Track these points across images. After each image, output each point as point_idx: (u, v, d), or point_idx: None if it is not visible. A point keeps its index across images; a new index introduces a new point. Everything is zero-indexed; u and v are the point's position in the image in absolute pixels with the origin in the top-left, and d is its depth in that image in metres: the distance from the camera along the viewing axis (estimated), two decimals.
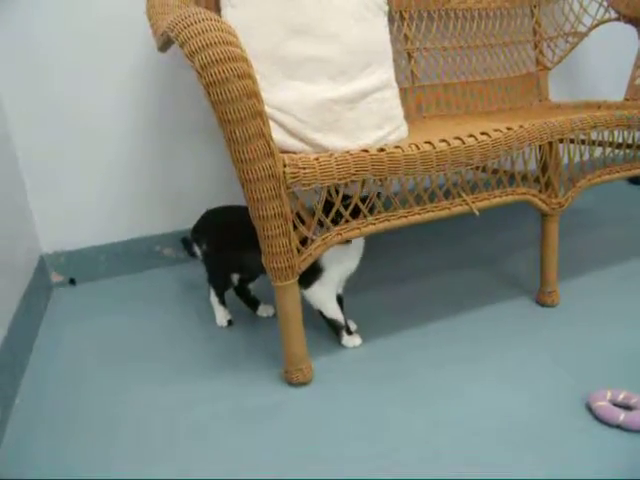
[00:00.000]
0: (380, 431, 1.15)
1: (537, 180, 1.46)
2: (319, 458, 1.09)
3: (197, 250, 1.60)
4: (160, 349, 1.50)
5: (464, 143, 1.28)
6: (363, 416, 1.19)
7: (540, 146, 1.44)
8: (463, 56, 2.06)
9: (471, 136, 1.30)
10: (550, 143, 1.42)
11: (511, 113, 1.99)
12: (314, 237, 1.22)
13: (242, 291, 1.64)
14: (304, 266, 1.22)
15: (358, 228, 1.24)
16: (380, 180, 1.24)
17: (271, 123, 1.33)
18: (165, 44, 1.31)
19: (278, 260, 1.19)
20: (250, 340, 1.50)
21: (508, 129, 1.34)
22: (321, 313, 1.43)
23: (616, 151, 1.60)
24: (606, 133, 1.58)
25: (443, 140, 1.27)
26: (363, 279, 1.75)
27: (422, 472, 1.04)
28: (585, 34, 2.18)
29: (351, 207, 1.23)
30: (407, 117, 1.66)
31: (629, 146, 1.62)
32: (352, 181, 1.20)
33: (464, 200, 1.32)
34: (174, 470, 1.08)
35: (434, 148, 1.25)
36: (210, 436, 1.16)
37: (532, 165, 1.47)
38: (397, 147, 1.24)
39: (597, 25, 2.15)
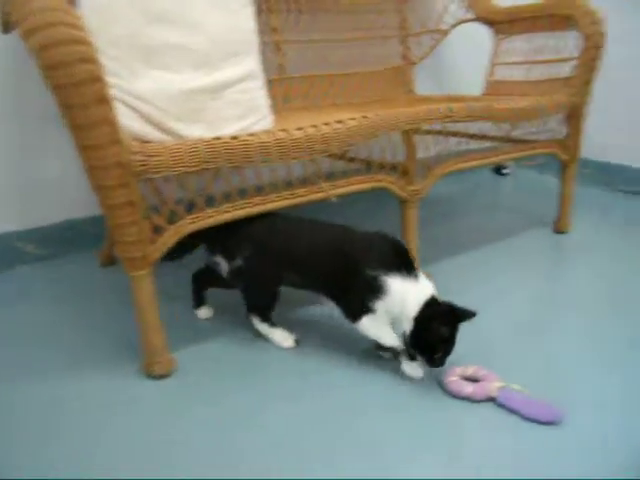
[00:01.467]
0: (237, 423, 1.15)
1: (394, 168, 1.51)
2: (170, 452, 1.07)
3: (223, 263, 1.38)
4: (24, 345, 1.42)
5: (319, 131, 1.30)
6: (225, 407, 1.19)
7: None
8: (331, 49, 2.09)
9: (326, 124, 1.32)
10: (407, 132, 1.48)
11: (377, 105, 2.04)
12: (167, 226, 1.19)
13: (205, 281, 1.51)
14: (158, 255, 1.19)
15: (212, 216, 1.23)
16: (235, 168, 1.24)
17: (131, 113, 1.30)
18: (6, 24, 1.24)
19: (130, 249, 1.16)
20: (114, 332, 1.45)
21: (364, 117, 1.37)
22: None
23: (470, 141, 1.69)
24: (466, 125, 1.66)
25: (299, 128, 1.28)
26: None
27: (286, 463, 1.05)
28: (447, 31, 2.28)
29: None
30: (274, 108, 1.66)
31: (482, 137, 1.72)
32: (204, 169, 1.19)
33: (321, 187, 1.34)
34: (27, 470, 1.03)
35: (289, 136, 1.26)
36: (63, 433, 1.12)
37: (391, 155, 1.52)
38: (251, 135, 1.24)
39: (458, 24, 2.26)
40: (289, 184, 1.34)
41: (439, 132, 1.63)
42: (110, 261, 1.85)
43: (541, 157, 2.02)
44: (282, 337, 1.39)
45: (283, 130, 1.27)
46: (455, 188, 2.64)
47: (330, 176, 1.39)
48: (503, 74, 2.19)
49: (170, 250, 1.35)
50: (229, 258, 1.36)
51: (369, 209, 2.29)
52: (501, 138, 1.77)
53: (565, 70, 1.98)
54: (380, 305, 1.23)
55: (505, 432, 1.10)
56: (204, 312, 1.52)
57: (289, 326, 1.41)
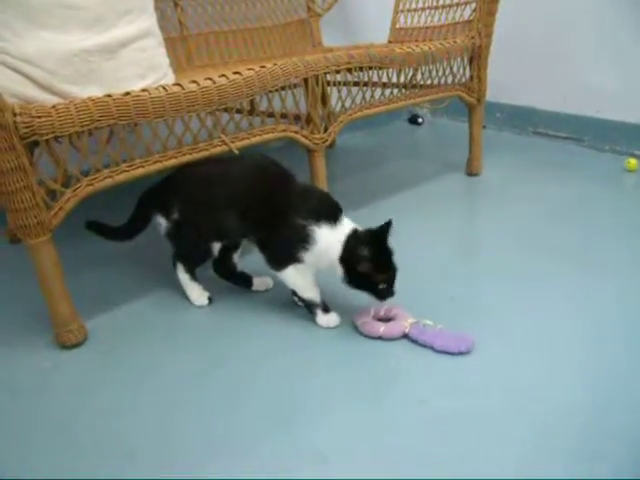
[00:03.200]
0: (157, 381, 1.14)
1: (298, 117, 1.50)
2: (91, 421, 1.06)
3: (161, 220, 1.33)
4: None
5: (215, 83, 1.27)
6: (142, 369, 1.18)
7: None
8: (233, 3, 2.05)
9: (222, 76, 1.30)
10: (308, 81, 1.47)
11: (284, 59, 2.02)
12: (63, 190, 1.16)
13: (227, 266, 1.42)
14: (57, 222, 1.16)
15: (111, 176, 1.20)
16: (130, 126, 1.21)
17: (18, 77, 1.24)
18: None
19: (25, 217, 1.12)
20: (25, 308, 1.41)
21: (261, 67, 1.35)
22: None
23: (374, 89, 1.69)
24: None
25: (193, 81, 1.26)
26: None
27: (197, 413, 1.05)
28: None
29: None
30: (177, 67, 1.63)
31: (387, 85, 1.73)
32: (97, 128, 1.16)
33: (222, 140, 1.33)
34: None
35: (183, 89, 1.23)
36: None
37: (295, 105, 1.51)
38: (144, 90, 1.21)
39: None
40: (191, 139, 1.31)
41: (346, 83, 1.63)
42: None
43: (456, 104, 2.04)
44: (198, 294, 1.38)
45: (177, 84, 1.24)
46: (371, 140, 2.66)
47: (238, 131, 1.38)
48: (407, 21, 2.20)
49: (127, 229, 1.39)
50: (166, 215, 1.32)
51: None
52: (405, 85, 1.78)
53: (466, 14, 2.00)
54: (308, 256, 1.21)
55: (418, 367, 1.14)
56: (261, 284, 1.44)
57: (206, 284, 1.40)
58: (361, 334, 1.23)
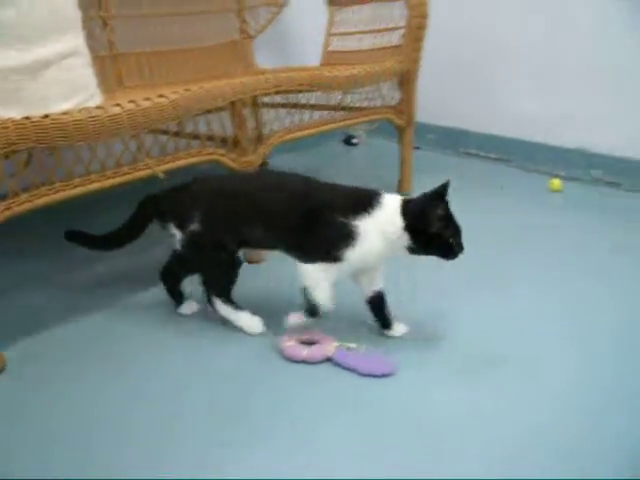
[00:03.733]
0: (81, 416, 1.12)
1: (225, 140, 1.51)
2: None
3: (175, 231, 1.28)
4: None
5: (139, 106, 1.27)
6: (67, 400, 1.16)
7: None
8: (165, 24, 2.05)
9: (147, 99, 1.29)
10: (235, 104, 1.48)
11: (216, 81, 2.03)
12: None
13: (176, 274, 1.39)
14: None
15: (30, 200, 1.18)
16: (50, 149, 1.19)
17: None
18: None
19: None
20: None
21: (186, 90, 1.36)
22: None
23: (304, 111, 1.72)
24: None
25: (117, 104, 1.25)
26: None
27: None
28: (283, 4, 2.30)
29: None
30: (107, 87, 1.61)
31: (316, 107, 1.76)
32: (14, 151, 1.14)
33: (147, 164, 1.32)
34: None
35: (106, 113, 1.22)
36: None
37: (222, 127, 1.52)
38: (65, 113, 1.19)
39: None
40: (113, 163, 1.30)
41: (275, 105, 1.65)
42: None
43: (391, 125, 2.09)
44: (249, 320, 1.31)
45: (100, 107, 1.24)
46: (306, 161, 2.68)
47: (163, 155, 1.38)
48: (339, 44, 2.25)
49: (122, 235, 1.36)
50: (181, 226, 1.27)
51: None
52: (335, 107, 1.82)
53: (394, 39, 2.06)
54: (351, 253, 1.19)
55: (343, 390, 1.15)
56: (187, 307, 1.40)
57: None
58: (285, 357, 1.23)
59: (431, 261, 1.20)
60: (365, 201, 1.21)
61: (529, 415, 1.06)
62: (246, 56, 2.25)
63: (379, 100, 1.96)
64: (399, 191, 2.15)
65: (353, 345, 1.22)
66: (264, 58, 2.34)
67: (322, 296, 1.23)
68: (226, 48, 2.20)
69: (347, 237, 1.18)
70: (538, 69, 2.38)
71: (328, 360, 1.21)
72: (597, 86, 2.23)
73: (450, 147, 2.73)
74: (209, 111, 1.44)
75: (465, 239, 1.20)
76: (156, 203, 1.33)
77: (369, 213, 1.19)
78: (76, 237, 1.37)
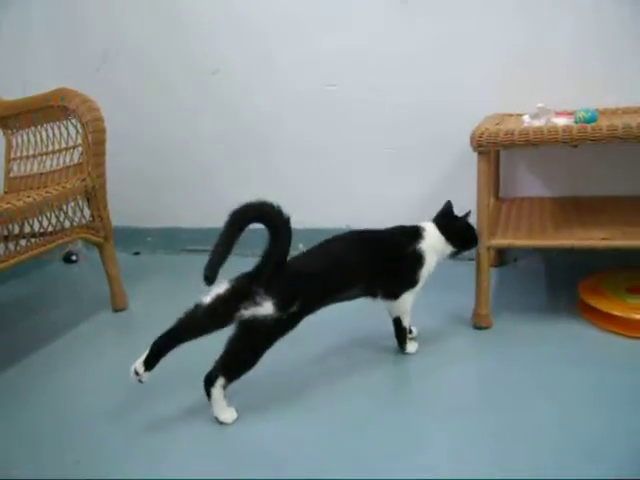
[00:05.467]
0: None
1: None
2: None
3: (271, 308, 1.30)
4: None
5: None
6: None
7: None
8: None
9: None
10: None
11: None
12: None
13: (169, 345, 1.33)
14: None
15: None
16: None
17: None
18: None
19: None
20: None
21: None
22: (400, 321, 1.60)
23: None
24: None
25: None
26: None
27: None
28: None
29: None
30: None
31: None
32: None
33: None
34: None
35: None
36: None
37: None
38: None
39: None
40: None
41: None
42: None
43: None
44: (227, 413, 1.36)
45: None
46: (27, 286, 2.49)
47: None
48: (20, 169, 2.14)
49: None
50: (284, 304, 1.31)
51: None
52: (25, 235, 1.71)
53: (76, 157, 2.02)
54: (423, 272, 1.56)
55: None
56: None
57: None
58: None
59: None
60: (415, 231, 1.57)
61: None
62: None
63: (67, 222, 1.88)
64: (114, 307, 2.08)
65: None
66: None
67: (409, 318, 1.60)
68: None
69: (419, 261, 1.54)
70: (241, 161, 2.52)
71: None
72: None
73: (170, 246, 2.74)
74: None
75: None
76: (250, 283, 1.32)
77: (423, 238, 1.56)
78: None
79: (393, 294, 1.55)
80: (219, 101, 2.51)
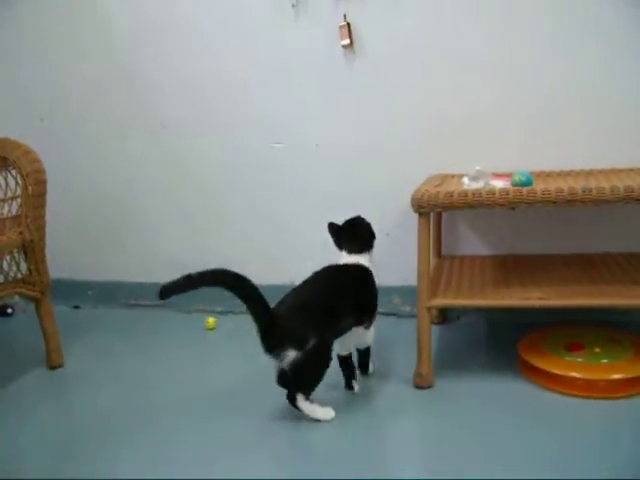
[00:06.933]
0: None
1: None
2: None
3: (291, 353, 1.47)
4: None
5: None
6: None
7: None
8: None
9: None
10: None
11: None
12: None
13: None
14: None
15: None
16: None
17: None
18: None
19: None
20: None
21: None
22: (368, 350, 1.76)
23: None
24: None
25: None
26: None
27: None
28: None
29: None
30: None
31: None
32: None
33: None
34: None
35: None
36: None
37: None
38: None
39: None
40: None
41: None
42: None
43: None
44: (324, 411, 1.53)
45: None
46: None
47: None
48: None
49: None
50: (299, 347, 1.46)
51: None
52: None
53: (14, 209, 1.97)
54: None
55: None
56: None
57: None
58: None
59: None
60: (355, 265, 1.69)
61: None
62: None
63: (2, 276, 1.82)
64: (50, 364, 2.00)
65: None
66: None
67: None
68: None
69: (374, 285, 1.72)
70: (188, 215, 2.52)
71: None
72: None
73: (111, 301, 2.67)
74: None
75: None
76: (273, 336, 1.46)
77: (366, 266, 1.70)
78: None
79: (370, 320, 1.68)
80: (163, 156, 2.50)
